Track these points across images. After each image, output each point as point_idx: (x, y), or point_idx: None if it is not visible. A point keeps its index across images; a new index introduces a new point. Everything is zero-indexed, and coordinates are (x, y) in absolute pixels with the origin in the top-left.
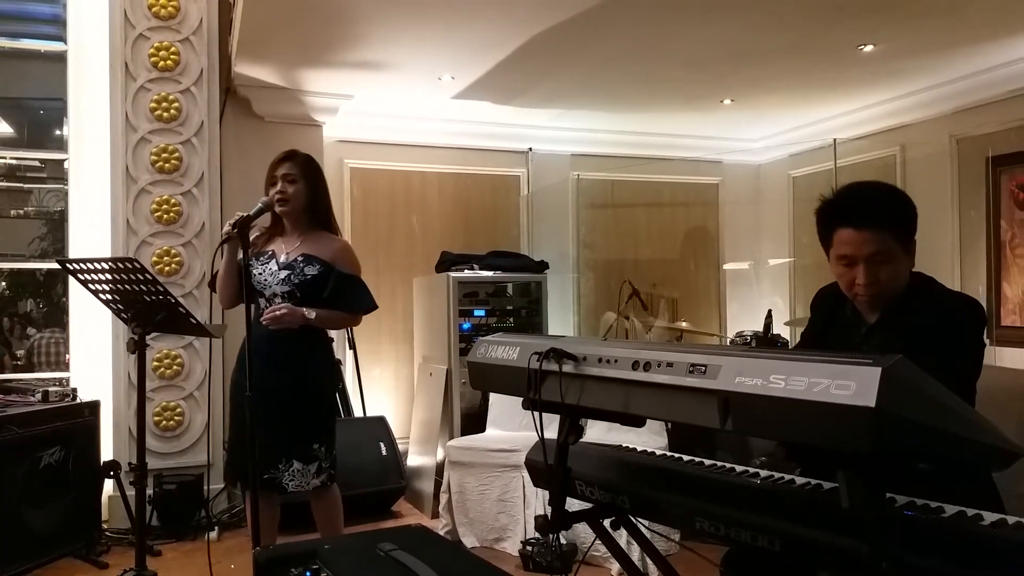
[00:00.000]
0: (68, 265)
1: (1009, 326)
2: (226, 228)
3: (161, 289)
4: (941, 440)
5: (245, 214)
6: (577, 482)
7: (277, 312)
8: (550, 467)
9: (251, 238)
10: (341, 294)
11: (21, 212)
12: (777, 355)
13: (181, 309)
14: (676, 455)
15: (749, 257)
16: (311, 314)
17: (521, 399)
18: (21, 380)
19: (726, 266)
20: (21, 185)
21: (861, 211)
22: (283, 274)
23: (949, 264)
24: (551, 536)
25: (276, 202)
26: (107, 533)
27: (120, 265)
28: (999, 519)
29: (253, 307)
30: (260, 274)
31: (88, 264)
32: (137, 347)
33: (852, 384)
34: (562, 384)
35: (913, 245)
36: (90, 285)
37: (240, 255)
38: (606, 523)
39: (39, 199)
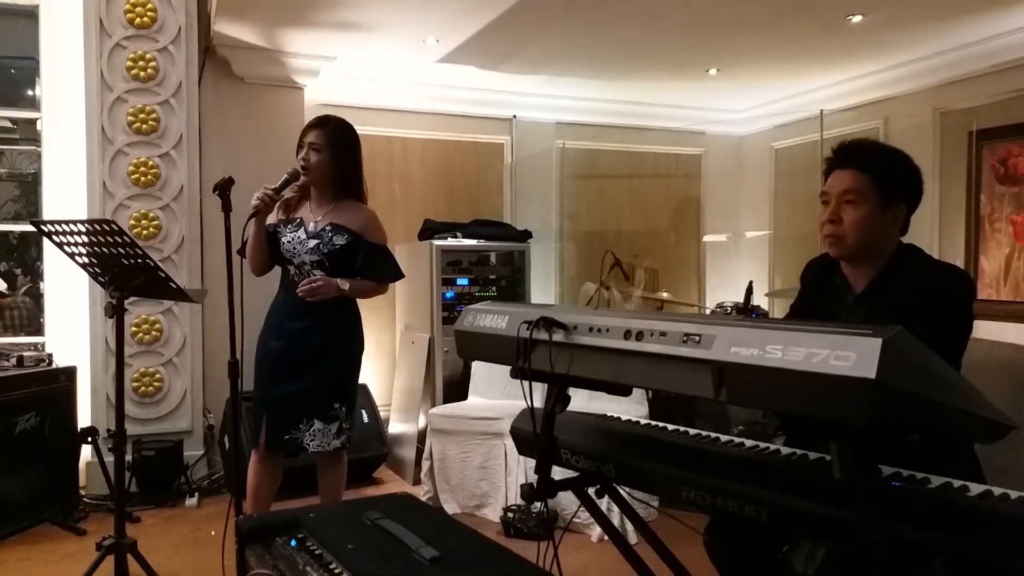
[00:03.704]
0: (43, 227)
1: (986, 300)
2: (255, 201)
3: (140, 252)
4: (939, 412)
5: (273, 186)
6: (563, 451)
7: (313, 284)
8: (537, 436)
9: (281, 201)
10: (371, 264)
11: None
12: (774, 325)
13: (160, 273)
14: (661, 424)
15: (730, 229)
16: (345, 285)
17: (507, 368)
18: None
19: (706, 238)
20: None
21: (847, 153)
22: (312, 243)
23: (928, 237)
24: (536, 504)
25: (300, 167)
26: (85, 500)
27: (97, 227)
28: (985, 490)
29: (282, 272)
30: (288, 242)
31: (64, 226)
32: (115, 312)
33: (852, 355)
34: (552, 353)
35: (900, 210)
36: (66, 248)
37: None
38: (591, 491)
39: (11, 161)
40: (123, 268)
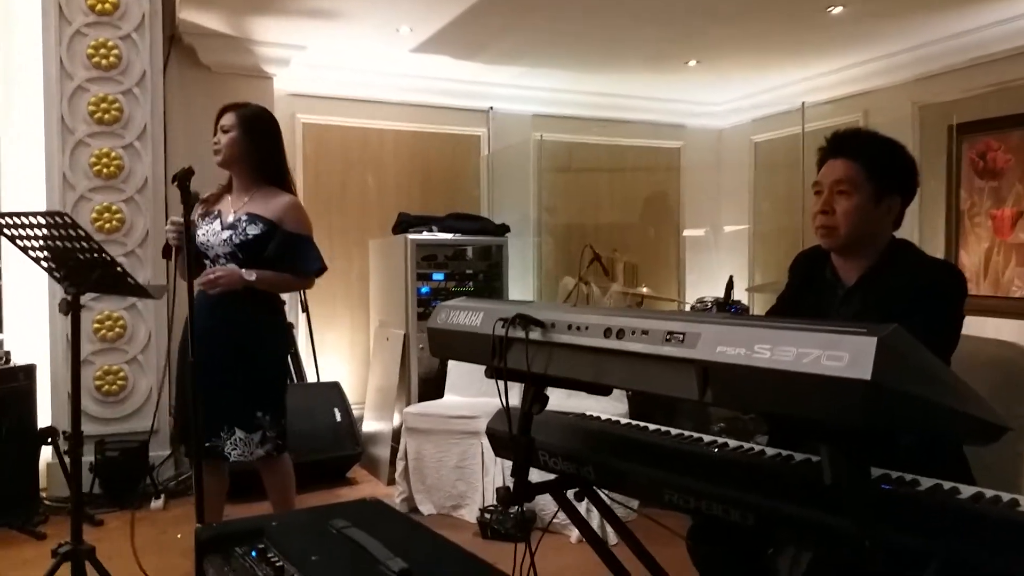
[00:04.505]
0: None
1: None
2: (172, 240)
3: (95, 246)
4: (935, 414)
5: (178, 217)
6: (540, 452)
7: (211, 276)
8: (513, 437)
9: (203, 197)
10: (286, 255)
11: None
12: (762, 323)
13: (118, 268)
14: (642, 424)
15: (709, 223)
16: (250, 276)
17: (484, 367)
18: None
19: (686, 232)
20: None
21: (840, 142)
22: (225, 234)
23: (908, 232)
24: (517, 505)
25: (214, 154)
26: (46, 502)
27: (50, 220)
28: (976, 492)
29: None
30: (203, 235)
31: (15, 219)
32: (71, 308)
33: (845, 355)
34: (528, 352)
35: (894, 201)
36: (19, 242)
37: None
38: (570, 494)
39: None
40: (79, 263)
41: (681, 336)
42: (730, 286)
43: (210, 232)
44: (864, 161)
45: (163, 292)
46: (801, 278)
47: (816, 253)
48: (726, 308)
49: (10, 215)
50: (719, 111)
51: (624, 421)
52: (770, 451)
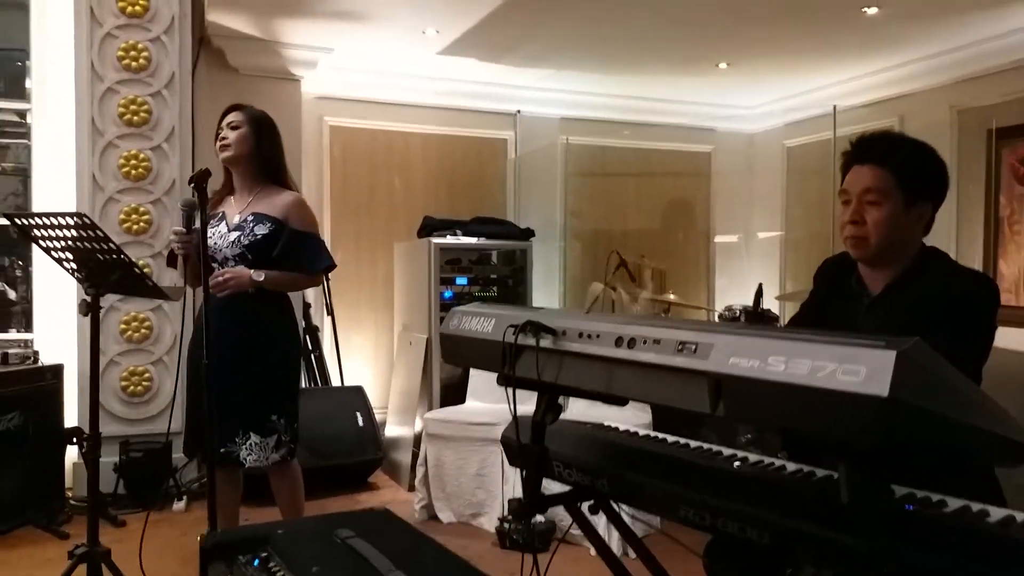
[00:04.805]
0: (16, 220)
1: (1004, 305)
2: (177, 251)
3: (114, 247)
4: (958, 433)
5: (180, 228)
6: (555, 463)
7: (220, 278)
8: (522, 447)
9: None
10: (293, 253)
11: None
12: (777, 334)
13: (136, 269)
14: (660, 436)
15: (740, 229)
16: (259, 276)
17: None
18: None
19: (717, 238)
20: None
21: (866, 147)
22: (233, 236)
23: (945, 240)
24: (528, 516)
25: (218, 150)
26: (71, 502)
27: (68, 220)
28: (1007, 516)
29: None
30: (210, 238)
31: (37, 219)
32: (90, 309)
33: (862, 369)
34: (539, 360)
35: (925, 208)
36: (42, 242)
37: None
38: (584, 507)
39: (16, 154)
40: (99, 264)
41: (694, 346)
42: (759, 294)
43: (217, 235)
44: (893, 167)
45: (180, 294)
46: (827, 286)
47: (842, 260)
48: (759, 317)
49: (33, 215)
50: (751, 115)
51: (643, 432)
52: (791, 466)
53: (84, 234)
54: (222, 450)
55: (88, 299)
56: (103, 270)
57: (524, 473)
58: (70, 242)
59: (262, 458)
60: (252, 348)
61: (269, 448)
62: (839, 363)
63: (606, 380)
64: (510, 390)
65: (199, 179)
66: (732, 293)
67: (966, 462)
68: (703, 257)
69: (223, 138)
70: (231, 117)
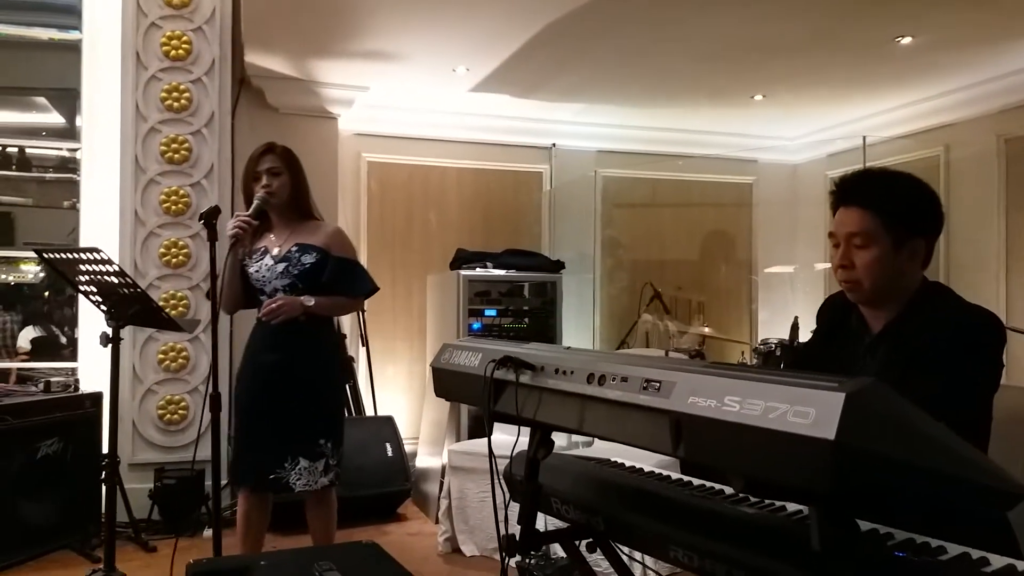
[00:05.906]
0: (45, 255)
1: None
2: (232, 230)
3: (130, 281)
4: (919, 478)
5: (247, 214)
6: (553, 499)
7: (273, 305)
8: (511, 482)
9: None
10: (340, 279)
11: (67, 204)
12: (737, 373)
13: (152, 303)
14: (664, 472)
15: (783, 261)
16: (310, 302)
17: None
18: (33, 369)
19: (766, 270)
20: (72, 176)
21: (849, 188)
22: (280, 267)
23: (994, 271)
24: (522, 554)
25: (263, 195)
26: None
27: (86, 256)
28: (1007, 565)
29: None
30: (257, 271)
31: (60, 254)
32: (109, 341)
33: (811, 411)
34: (518, 396)
35: (917, 244)
36: (68, 276)
37: (242, 255)
38: (581, 545)
39: (75, 192)
40: (120, 297)
41: (657, 384)
42: (795, 328)
43: (263, 267)
44: (878, 209)
45: (195, 327)
46: (827, 325)
47: (843, 299)
48: (791, 351)
49: (56, 250)
50: (792, 146)
51: (648, 469)
52: (791, 507)
53: (102, 268)
54: (271, 476)
55: (108, 332)
56: (124, 303)
57: (520, 509)
58: (94, 276)
59: (311, 482)
60: (309, 380)
61: (318, 472)
62: (791, 404)
63: (579, 417)
64: (486, 426)
65: (209, 216)
66: (774, 326)
67: (943, 508)
68: (744, 289)
69: (267, 185)
70: (269, 162)
